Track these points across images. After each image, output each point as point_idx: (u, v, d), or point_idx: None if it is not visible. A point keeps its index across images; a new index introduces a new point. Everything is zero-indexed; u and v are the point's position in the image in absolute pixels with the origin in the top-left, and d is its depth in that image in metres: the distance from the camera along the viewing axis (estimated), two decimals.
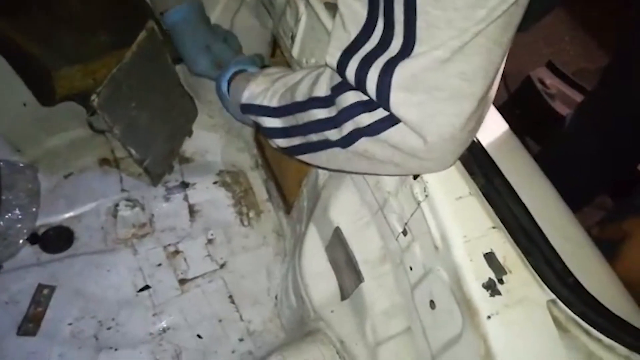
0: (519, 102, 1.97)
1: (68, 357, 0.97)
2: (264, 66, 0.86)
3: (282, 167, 1.19)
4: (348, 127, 0.58)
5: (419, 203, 0.62)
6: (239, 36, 1.01)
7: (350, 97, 0.56)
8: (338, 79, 0.58)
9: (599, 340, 0.54)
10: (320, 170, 0.91)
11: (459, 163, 0.65)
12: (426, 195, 0.61)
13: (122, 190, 1.18)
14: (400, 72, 0.49)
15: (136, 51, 0.97)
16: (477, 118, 0.53)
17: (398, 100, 0.51)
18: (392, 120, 0.53)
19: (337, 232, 0.83)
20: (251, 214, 1.24)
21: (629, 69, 1.19)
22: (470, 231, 0.58)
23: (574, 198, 0.74)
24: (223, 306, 1.10)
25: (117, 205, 1.15)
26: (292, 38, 0.86)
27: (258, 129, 0.75)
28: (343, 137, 0.59)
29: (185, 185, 1.23)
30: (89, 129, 1.19)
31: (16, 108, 1.10)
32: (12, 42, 0.97)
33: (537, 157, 0.78)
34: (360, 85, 0.53)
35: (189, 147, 1.29)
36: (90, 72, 1.02)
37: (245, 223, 1.23)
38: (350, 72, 0.53)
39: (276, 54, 1.06)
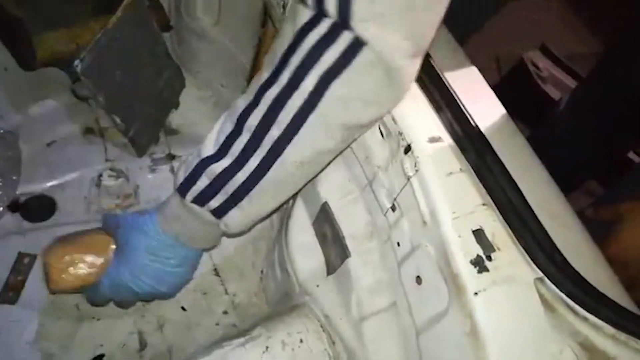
0: (510, 84, 1.97)
1: (49, 327, 0.95)
2: None
3: None
4: (311, 79, 0.55)
5: (409, 178, 0.61)
6: (230, 5, 0.98)
7: (305, 45, 0.54)
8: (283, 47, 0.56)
9: (585, 319, 0.54)
10: None
11: (450, 139, 0.64)
12: (416, 170, 0.60)
13: (107, 160, 1.15)
14: None
15: (121, 17, 0.94)
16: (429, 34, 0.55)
17: (361, 13, 0.50)
18: (359, 45, 0.52)
19: (325, 207, 0.82)
20: None
21: (629, 56, 1.18)
22: (459, 207, 0.57)
23: (563, 182, 0.74)
24: (208, 279, 1.09)
25: (100, 175, 1.13)
26: (284, 7, 0.83)
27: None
28: (310, 93, 0.56)
29: (171, 157, 1.21)
30: (73, 97, 1.16)
31: None
32: None
33: (527, 139, 0.78)
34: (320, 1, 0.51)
35: (175, 118, 1.26)
36: (74, 37, 0.99)
37: None
38: None
39: (267, 25, 1.03)
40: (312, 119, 0.57)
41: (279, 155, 0.60)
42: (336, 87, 0.55)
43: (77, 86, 1.12)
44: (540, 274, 0.55)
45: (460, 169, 0.60)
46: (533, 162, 0.74)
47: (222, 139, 0.62)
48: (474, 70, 0.82)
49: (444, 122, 0.65)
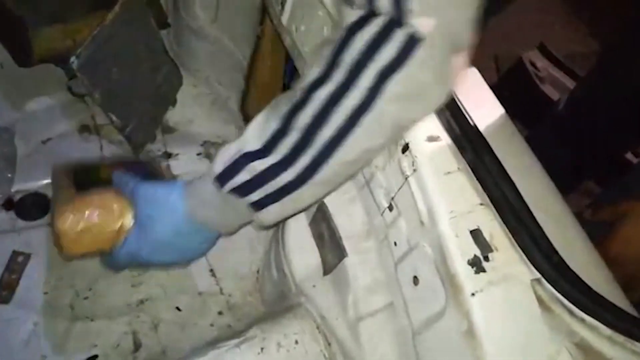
0: (508, 84, 1.97)
1: (43, 326, 0.95)
2: None
3: None
4: (368, 77, 0.53)
5: (406, 177, 0.60)
6: (228, 2, 0.97)
7: (357, 44, 0.52)
8: (331, 47, 0.54)
9: (582, 320, 0.53)
10: None
11: (448, 138, 0.63)
12: (414, 170, 0.60)
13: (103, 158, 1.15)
14: None
15: (118, 13, 0.93)
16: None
17: (417, 8, 0.49)
18: (415, 41, 0.51)
19: (322, 207, 0.81)
20: None
21: (629, 56, 1.18)
22: (457, 207, 0.57)
23: (561, 182, 0.73)
24: (203, 279, 1.08)
25: None
26: (282, 4, 0.83)
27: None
28: (367, 91, 0.53)
29: (168, 155, 1.20)
30: (69, 94, 1.15)
31: None
32: None
33: (525, 139, 0.77)
34: None
35: (172, 116, 1.26)
36: (71, 33, 0.98)
37: None
38: None
39: (265, 22, 1.02)
40: (367, 118, 0.55)
41: (330, 155, 0.57)
42: (393, 85, 0.53)
43: (73, 83, 1.11)
44: (538, 275, 0.54)
45: (458, 169, 0.60)
46: (531, 162, 0.74)
47: (266, 135, 0.59)
48: (473, 70, 0.81)
49: (443, 122, 0.65)
